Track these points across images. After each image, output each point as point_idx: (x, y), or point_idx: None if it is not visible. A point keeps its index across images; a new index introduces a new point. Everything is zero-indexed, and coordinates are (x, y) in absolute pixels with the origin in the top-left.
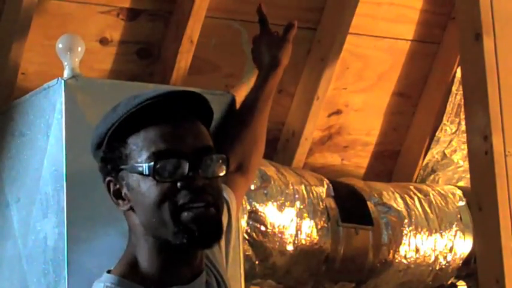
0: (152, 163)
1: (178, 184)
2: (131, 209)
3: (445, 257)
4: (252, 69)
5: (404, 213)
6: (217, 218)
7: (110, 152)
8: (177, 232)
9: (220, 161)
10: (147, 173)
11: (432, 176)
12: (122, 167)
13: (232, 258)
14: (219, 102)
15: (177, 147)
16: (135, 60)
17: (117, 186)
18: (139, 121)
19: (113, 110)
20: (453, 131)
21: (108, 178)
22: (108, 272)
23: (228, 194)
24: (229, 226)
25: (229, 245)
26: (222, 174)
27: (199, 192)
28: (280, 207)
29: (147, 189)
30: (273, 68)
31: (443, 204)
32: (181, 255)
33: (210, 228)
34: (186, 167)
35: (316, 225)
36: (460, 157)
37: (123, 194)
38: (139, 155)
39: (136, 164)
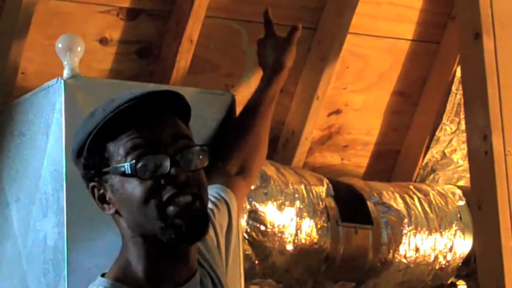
0: (133, 161)
1: (162, 181)
2: (117, 212)
3: (444, 257)
4: (252, 68)
5: (404, 212)
6: (203, 211)
7: (91, 157)
8: (164, 228)
9: (201, 153)
10: (129, 172)
11: (432, 175)
12: (105, 170)
13: (232, 258)
14: (219, 101)
15: (156, 143)
16: (134, 59)
17: (101, 190)
18: (118, 124)
19: (91, 115)
20: (453, 130)
21: (92, 183)
22: (102, 275)
23: (228, 195)
24: (229, 227)
25: (229, 247)
26: (204, 165)
27: (183, 186)
28: (280, 207)
29: (132, 189)
30: (277, 71)
31: (443, 203)
32: (171, 254)
33: (197, 222)
34: (167, 163)
35: (316, 224)
36: (459, 156)
37: (107, 198)
38: (120, 155)
39: (118, 165)
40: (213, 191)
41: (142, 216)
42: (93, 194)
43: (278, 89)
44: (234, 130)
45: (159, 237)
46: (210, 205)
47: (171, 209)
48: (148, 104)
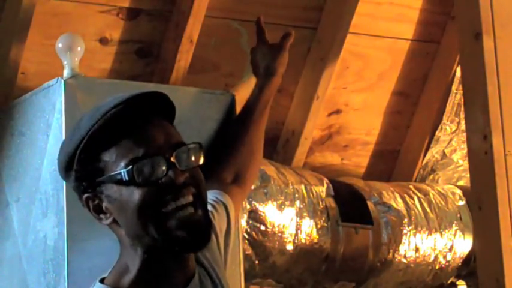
0: (130, 167)
1: (160, 185)
2: (114, 221)
3: (444, 257)
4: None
5: (404, 212)
6: (205, 218)
7: (83, 168)
8: (164, 240)
9: (195, 150)
10: (126, 178)
11: (432, 175)
12: (99, 179)
13: (232, 258)
14: (219, 101)
15: (150, 148)
16: (134, 59)
17: (96, 201)
18: (107, 132)
19: (77, 126)
20: (453, 130)
21: (86, 195)
22: (101, 281)
23: (226, 199)
24: (228, 230)
25: (227, 250)
26: (200, 163)
27: (181, 188)
28: (280, 207)
29: (129, 195)
30: (268, 77)
31: (443, 203)
32: (171, 260)
33: (200, 231)
34: (163, 165)
35: (316, 224)
36: (459, 156)
37: (104, 208)
38: (115, 163)
39: (113, 173)
40: (211, 195)
41: (141, 226)
42: (88, 206)
43: (271, 95)
44: (227, 138)
45: (160, 247)
46: (209, 207)
47: (171, 223)
48: (134, 108)
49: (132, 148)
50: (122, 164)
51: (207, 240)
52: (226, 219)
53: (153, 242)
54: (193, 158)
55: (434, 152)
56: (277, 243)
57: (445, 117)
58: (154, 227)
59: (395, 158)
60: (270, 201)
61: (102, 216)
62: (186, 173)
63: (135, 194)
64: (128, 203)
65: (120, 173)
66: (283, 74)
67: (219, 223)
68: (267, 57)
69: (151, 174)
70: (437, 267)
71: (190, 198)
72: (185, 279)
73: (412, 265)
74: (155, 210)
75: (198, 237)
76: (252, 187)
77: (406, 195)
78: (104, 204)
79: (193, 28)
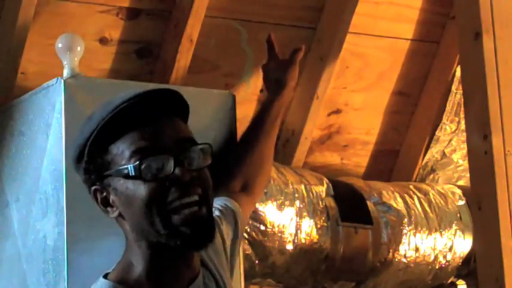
0: (137, 163)
1: (166, 182)
2: (121, 215)
3: (444, 256)
4: (251, 68)
5: (404, 212)
6: (209, 217)
7: (92, 161)
8: (170, 235)
9: (204, 151)
10: (133, 173)
11: (432, 175)
12: (107, 173)
13: None
14: (219, 101)
15: (159, 144)
16: (134, 59)
17: (104, 194)
18: (117, 126)
19: (88, 119)
20: (453, 130)
21: (94, 187)
22: (105, 276)
23: (234, 206)
24: (235, 237)
25: (234, 256)
26: (207, 163)
27: (187, 187)
28: (280, 207)
29: (135, 190)
30: (278, 90)
31: (443, 203)
32: (175, 258)
33: (203, 229)
34: (171, 163)
35: (316, 224)
36: (459, 156)
37: (111, 201)
38: (123, 157)
39: (121, 167)
40: (220, 201)
41: (146, 221)
42: (96, 198)
43: (281, 108)
44: (238, 148)
45: (165, 242)
46: (217, 213)
47: (175, 217)
48: (146, 104)
49: (141, 144)
50: (130, 159)
51: (209, 239)
52: (234, 226)
53: (157, 237)
54: (202, 158)
55: (434, 152)
56: (277, 243)
57: (445, 117)
58: (159, 222)
59: (395, 158)
60: (269, 201)
61: (109, 209)
62: (193, 172)
63: (141, 189)
64: (134, 197)
65: (127, 168)
66: (294, 87)
67: (227, 229)
68: (278, 72)
69: (158, 171)
70: (437, 267)
71: (196, 198)
72: (189, 279)
73: (412, 265)
74: (160, 205)
75: (200, 235)
76: None
77: (406, 195)
78: (111, 197)
79: (193, 28)
